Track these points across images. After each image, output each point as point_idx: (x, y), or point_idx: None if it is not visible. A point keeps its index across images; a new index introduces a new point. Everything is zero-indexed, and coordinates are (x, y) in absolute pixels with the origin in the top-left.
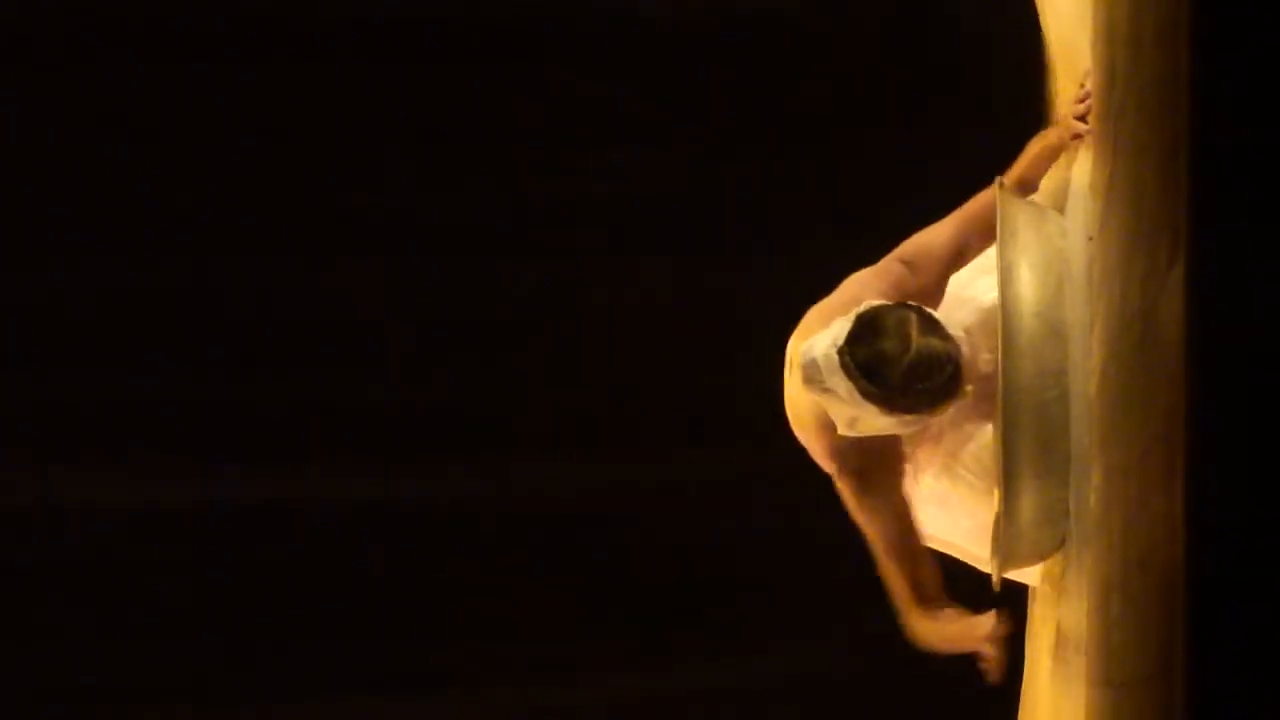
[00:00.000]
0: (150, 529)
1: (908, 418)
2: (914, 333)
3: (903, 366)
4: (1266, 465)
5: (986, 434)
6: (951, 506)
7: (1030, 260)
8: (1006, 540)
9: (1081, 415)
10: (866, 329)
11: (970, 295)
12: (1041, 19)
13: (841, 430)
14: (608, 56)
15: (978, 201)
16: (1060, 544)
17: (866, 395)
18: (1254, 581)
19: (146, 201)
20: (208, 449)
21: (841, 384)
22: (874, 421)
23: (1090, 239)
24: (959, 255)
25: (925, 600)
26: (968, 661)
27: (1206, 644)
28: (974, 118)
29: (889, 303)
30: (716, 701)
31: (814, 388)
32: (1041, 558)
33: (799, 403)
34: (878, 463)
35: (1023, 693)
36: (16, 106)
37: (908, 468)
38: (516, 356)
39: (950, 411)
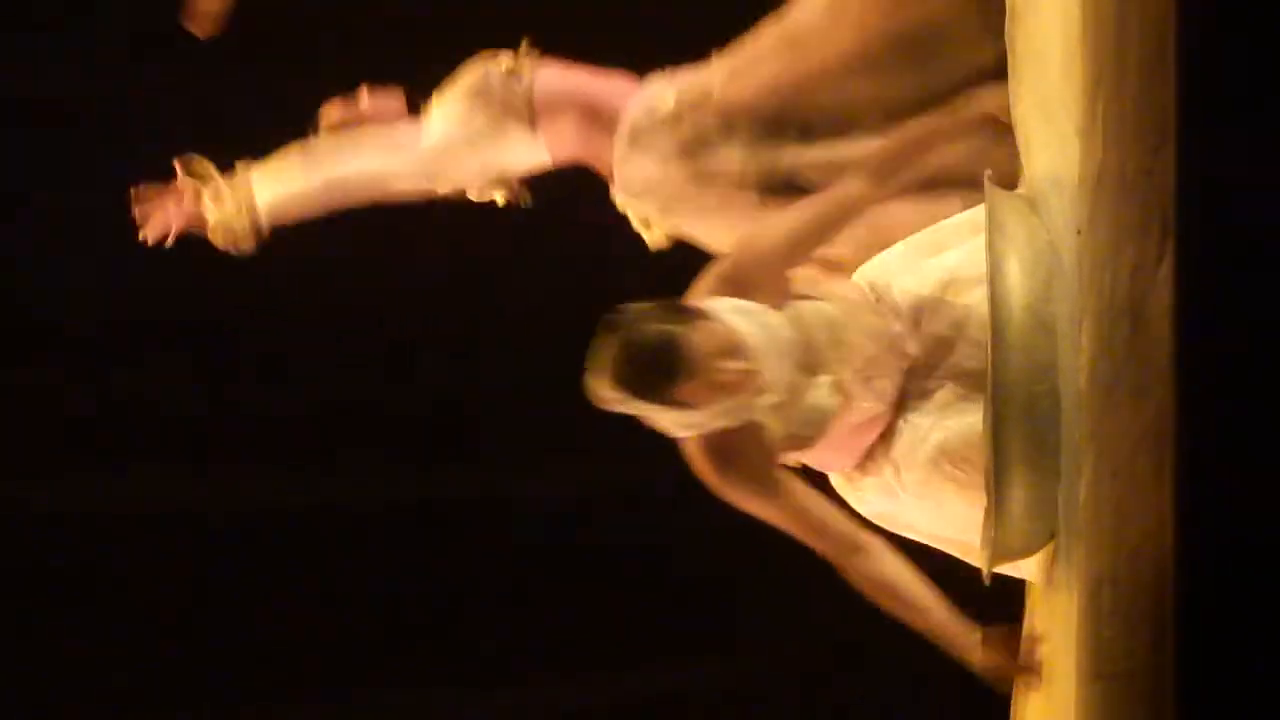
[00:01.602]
0: (147, 531)
1: (685, 410)
2: (629, 328)
3: (628, 363)
4: (1256, 458)
5: (976, 428)
6: (942, 502)
7: (1019, 254)
8: (996, 535)
9: (1071, 409)
10: (597, 334)
11: (953, 296)
12: (1009, 19)
13: (678, 434)
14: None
15: (826, 200)
16: (1051, 538)
17: (629, 398)
18: (1244, 575)
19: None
20: (200, 451)
21: (612, 396)
22: (687, 420)
23: (1079, 233)
24: (790, 257)
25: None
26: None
27: (1196, 637)
28: None
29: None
30: (714, 701)
31: (603, 405)
32: (1032, 552)
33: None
34: (746, 458)
35: (1015, 684)
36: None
37: (888, 468)
38: (514, 354)
39: (939, 402)
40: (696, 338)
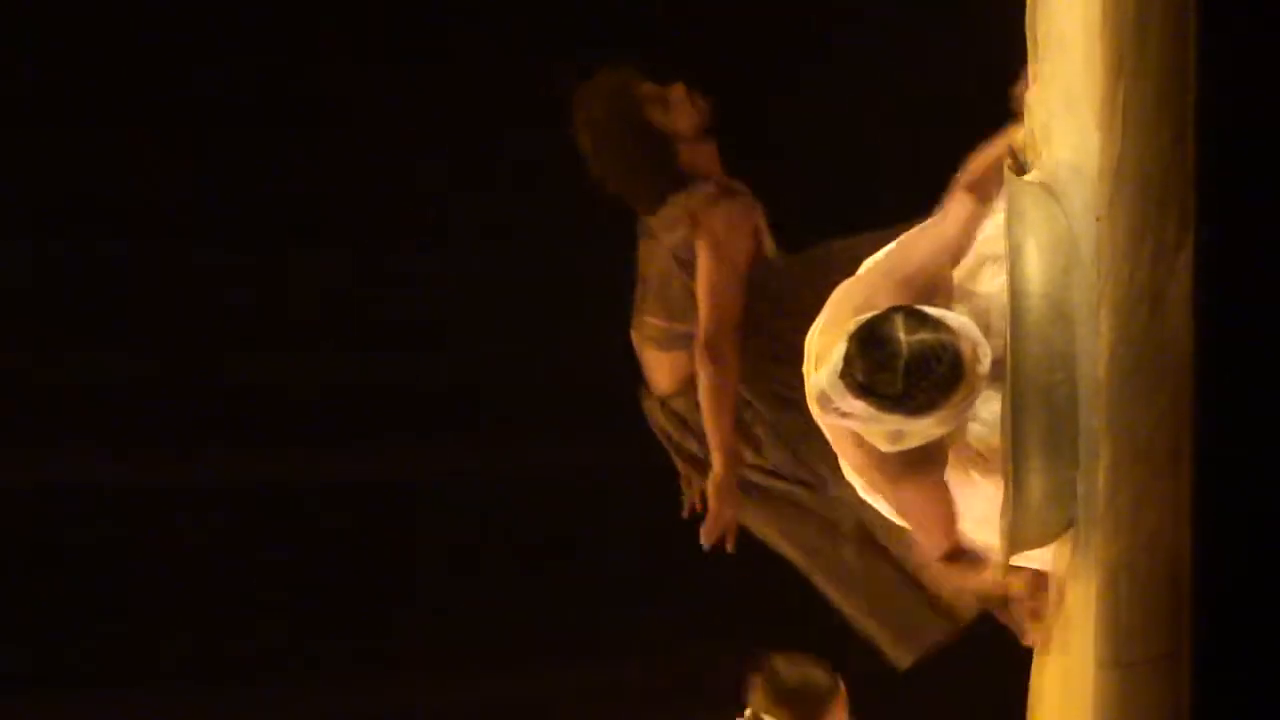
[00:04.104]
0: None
1: (937, 415)
2: (901, 334)
3: (900, 370)
4: (1275, 445)
5: (994, 417)
6: (960, 491)
7: (1038, 241)
8: (1014, 523)
9: (1089, 397)
10: (858, 345)
11: (974, 285)
12: (1031, 8)
13: (886, 448)
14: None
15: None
16: (1068, 526)
17: (881, 408)
18: (1262, 562)
19: (128, 187)
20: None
21: (855, 405)
22: (910, 429)
23: (1098, 219)
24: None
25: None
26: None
27: (1214, 625)
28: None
29: (875, 312)
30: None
31: (832, 416)
32: (1050, 540)
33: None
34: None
35: (1032, 673)
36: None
37: None
38: (509, 346)
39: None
40: (963, 345)
